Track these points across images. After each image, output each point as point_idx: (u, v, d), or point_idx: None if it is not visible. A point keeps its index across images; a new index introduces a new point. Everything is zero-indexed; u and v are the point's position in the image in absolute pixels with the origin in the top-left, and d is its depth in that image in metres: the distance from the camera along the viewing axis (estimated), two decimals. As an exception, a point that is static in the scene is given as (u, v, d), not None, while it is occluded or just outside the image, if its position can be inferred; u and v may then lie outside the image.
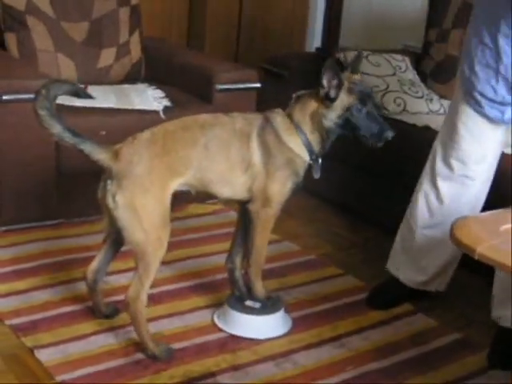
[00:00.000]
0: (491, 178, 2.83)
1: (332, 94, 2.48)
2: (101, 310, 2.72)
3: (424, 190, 2.88)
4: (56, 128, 2.36)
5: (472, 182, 2.78)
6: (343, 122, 2.51)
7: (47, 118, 2.34)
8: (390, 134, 2.53)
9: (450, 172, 2.79)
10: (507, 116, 2.62)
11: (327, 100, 2.49)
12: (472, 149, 2.74)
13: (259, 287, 2.73)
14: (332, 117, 2.51)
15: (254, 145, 2.53)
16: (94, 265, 2.65)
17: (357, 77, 2.56)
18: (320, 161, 2.61)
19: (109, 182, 2.42)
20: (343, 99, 2.49)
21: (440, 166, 2.81)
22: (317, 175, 2.62)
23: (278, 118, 2.57)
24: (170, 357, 2.54)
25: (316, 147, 2.58)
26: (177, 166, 2.48)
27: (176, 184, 2.49)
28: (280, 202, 2.59)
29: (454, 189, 2.80)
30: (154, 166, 2.43)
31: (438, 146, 2.84)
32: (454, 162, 2.77)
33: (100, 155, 2.40)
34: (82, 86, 3.66)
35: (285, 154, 2.54)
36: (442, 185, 2.82)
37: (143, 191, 2.41)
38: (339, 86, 2.48)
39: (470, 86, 2.64)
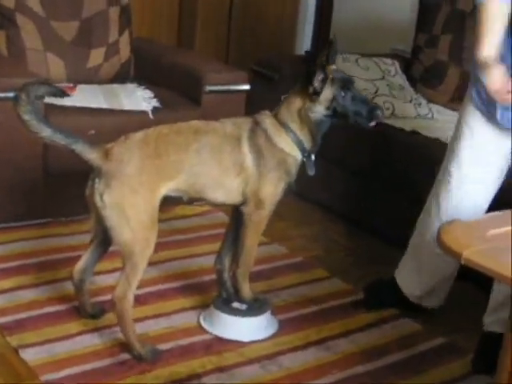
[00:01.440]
0: (491, 188, 2.75)
1: (317, 88, 2.50)
2: (87, 310, 2.71)
3: (429, 199, 2.87)
4: (45, 131, 2.36)
5: (466, 186, 2.73)
6: (332, 111, 2.54)
7: (34, 122, 2.34)
8: (378, 112, 2.57)
9: (449, 177, 2.76)
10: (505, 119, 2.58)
11: (314, 95, 2.51)
12: (467, 146, 2.71)
13: (246, 289, 2.73)
14: (320, 109, 2.54)
15: (245, 148, 2.54)
16: (80, 264, 2.64)
17: (333, 67, 2.58)
18: (313, 157, 2.62)
19: (97, 180, 2.41)
20: (327, 91, 2.52)
21: (441, 172, 2.80)
22: (311, 172, 2.63)
23: (267, 119, 2.59)
24: (155, 357, 2.53)
25: (307, 144, 2.59)
26: (168, 169, 2.48)
27: (166, 188, 2.49)
28: (272, 203, 2.60)
29: (452, 196, 2.77)
30: (144, 167, 2.42)
31: (445, 156, 2.83)
32: (452, 168, 2.75)
33: (91, 155, 2.40)
34: (71, 85, 3.68)
35: (276, 154, 2.55)
36: (441, 192, 2.79)
37: (132, 191, 2.40)
38: (324, 80, 2.50)
39: (474, 81, 2.65)
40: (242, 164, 2.54)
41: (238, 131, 2.57)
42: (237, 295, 2.75)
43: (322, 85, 2.50)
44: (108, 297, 2.58)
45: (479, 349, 2.68)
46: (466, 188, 2.74)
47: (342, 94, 2.52)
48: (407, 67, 4.24)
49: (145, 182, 2.43)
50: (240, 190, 2.57)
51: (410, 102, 3.88)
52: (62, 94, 2.56)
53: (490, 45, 2.46)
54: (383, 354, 2.71)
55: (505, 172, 2.73)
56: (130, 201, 2.40)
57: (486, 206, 2.76)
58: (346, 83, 2.54)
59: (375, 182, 3.70)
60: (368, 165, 3.70)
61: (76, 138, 2.40)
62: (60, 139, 2.37)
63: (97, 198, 2.42)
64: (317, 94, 2.51)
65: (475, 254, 1.83)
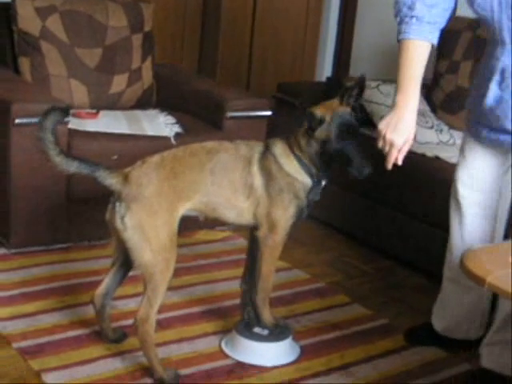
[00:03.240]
0: (492, 212, 2.70)
1: (313, 126, 2.50)
2: (108, 335, 2.71)
3: None
4: (73, 165, 2.44)
5: (464, 209, 2.71)
6: (323, 151, 2.53)
7: (64, 161, 2.43)
8: (366, 171, 2.52)
9: (452, 200, 2.77)
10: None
11: (310, 131, 2.52)
12: (459, 167, 2.71)
13: (266, 315, 2.73)
14: (314, 146, 2.54)
15: (255, 169, 2.57)
16: (101, 289, 2.66)
17: (343, 108, 2.53)
18: (323, 183, 2.61)
19: (117, 204, 2.46)
20: (322, 132, 2.51)
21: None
22: (315, 197, 2.61)
23: (278, 144, 2.61)
24: (176, 382, 2.53)
25: (314, 171, 2.58)
26: (185, 190, 2.53)
27: (184, 208, 2.54)
28: (285, 227, 2.61)
29: (456, 221, 2.76)
30: (162, 189, 2.47)
31: None
32: (453, 193, 2.75)
33: (111, 180, 2.46)
34: (94, 111, 3.72)
35: (284, 178, 2.57)
36: (450, 217, 2.79)
37: (152, 213, 2.45)
38: (319, 123, 2.49)
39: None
40: (251, 185, 2.57)
41: (249, 153, 2.60)
42: (257, 320, 2.74)
43: (316, 125, 2.50)
44: (130, 321, 2.58)
45: None
46: (467, 212, 2.72)
47: (336, 140, 2.50)
48: (428, 93, 4.24)
49: (163, 204, 2.47)
50: (251, 211, 2.59)
51: (432, 128, 3.88)
52: (64, 113, 2.62)
53: (406, 90, 2.42)
54: (406, 380, 2.68)
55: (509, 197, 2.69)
56: (149, 222, 2.45)
57: (495, 230, 2.73)
58: (344, 131, 2.50)
59: (395, 208, 3.69)
60: (388, 190, 3.69)
61: (97, 166, 2.47)
62: (85, 169, 2.45)
63: (118, 221, 2.46)
64: (312, 130, 2.51)
65: (499, 279, 1.82)
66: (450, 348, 2.90)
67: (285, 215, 2.59)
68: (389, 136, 2.41)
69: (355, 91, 2.55)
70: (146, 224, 2.44)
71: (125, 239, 2.46)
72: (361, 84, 2.57)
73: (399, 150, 2.42)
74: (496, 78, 2.41)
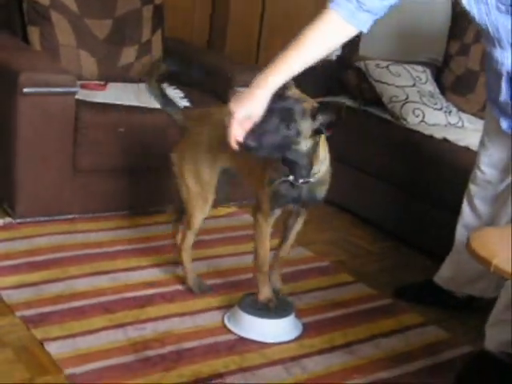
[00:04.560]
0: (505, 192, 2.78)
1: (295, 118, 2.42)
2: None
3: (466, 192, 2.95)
4: (156, 92, 2.81)
5: (490, 185, 2.81)
6: None
7: (153, 82, 2.80)
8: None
9: (474, 175, 2.85)
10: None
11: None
12: (480, 149, 2.80)
13: (262, 291, 2.73)
14: None
15: None
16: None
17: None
18: (281, 179, 2.50)
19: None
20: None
21: (473, 171, 2.88)
22: (281, 191, 2.54)
23: None
24: (201, 291, 2.90)
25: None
26: (221, 143, 2.53)
27: (222, 161, 2.72)
28: (265, 208, 2.58)
29: (479, 191, 2.86)
30: (205, 136, 2.71)
31: None
32: (475, 170, 2.85)
33: (176, 116, 2.82)
34: (102, 82, 3.70)
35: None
36: (471, 187, 2.89)
37: (191, 156, 2.74)
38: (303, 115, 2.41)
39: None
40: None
41: None
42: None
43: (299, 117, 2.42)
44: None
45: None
46: (490, 188, 2.81)
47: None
48: (438, 75, 4.22)
49: (203, 149, 2.72)
50: (260, 180, 2.61)
51: (441, 109, 3.86)
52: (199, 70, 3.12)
53: (277, 70, 2.31)
54: (408, 360, 2.68)
55: None
56: (187, 163, 2.75)
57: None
58: (282, 113, 2.36)
59: (403, 189, 3.68)
60: (395, 171, 3.68)
61: (172, 105, 2.84)
62: (160, 103, 2.83)
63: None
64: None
65: (505, 261, 1.81)
66: (452, 306, 2.99)
67: (264, 196, 2.58)
68: (231, 105, 2.24)
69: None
70: (185, 164, 2.76)
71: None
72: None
73: (240, 124, 2.24)
74: (504, 79, 2.42)
